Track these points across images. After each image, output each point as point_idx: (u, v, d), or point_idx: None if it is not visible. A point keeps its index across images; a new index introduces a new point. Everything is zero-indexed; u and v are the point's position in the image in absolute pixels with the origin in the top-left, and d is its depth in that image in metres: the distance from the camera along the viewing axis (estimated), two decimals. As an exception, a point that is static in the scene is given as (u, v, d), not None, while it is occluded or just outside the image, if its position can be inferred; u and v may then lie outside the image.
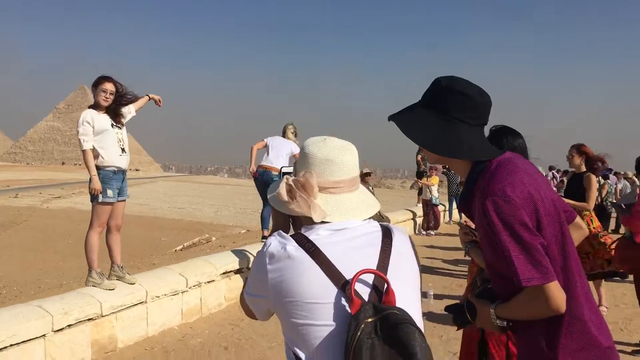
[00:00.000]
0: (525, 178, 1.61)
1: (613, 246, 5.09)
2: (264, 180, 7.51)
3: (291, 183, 1.49)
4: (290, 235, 1.46)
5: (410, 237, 1.62)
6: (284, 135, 7.92)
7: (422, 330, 1.44)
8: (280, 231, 1.49)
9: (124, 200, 5.04)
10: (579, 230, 1.98)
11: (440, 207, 13.27)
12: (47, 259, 9.63)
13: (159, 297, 5.08)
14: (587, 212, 5.43)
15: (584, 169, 5.47)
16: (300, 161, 1.55)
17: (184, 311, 5.41)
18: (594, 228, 5.45)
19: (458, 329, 1.93)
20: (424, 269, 7.99)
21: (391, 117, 1.73)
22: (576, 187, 5.40)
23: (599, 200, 8.54)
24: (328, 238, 1.43)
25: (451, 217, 14.36)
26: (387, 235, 1.50)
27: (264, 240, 7.44)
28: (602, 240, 5.41)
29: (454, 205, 13.66)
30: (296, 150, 7.47)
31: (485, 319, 1.74)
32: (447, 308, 1.92)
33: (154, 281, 5.18)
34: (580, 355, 1.59)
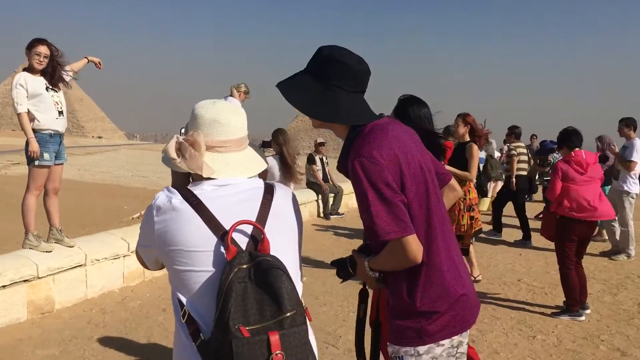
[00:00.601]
0: (393, 142, 1.74)
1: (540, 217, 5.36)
2: None
3: (181, 141, 1.58)
4: (177, 190, 1.56)
5: (294, 194, 1.74)
6: (231, 95, 7.86)
7: (299, 276, 1.61)
8: (169, 186, 1.59)
9: (62, 164, 5.04)
10: (453, 192, 2.12)
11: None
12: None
13: (99, 260, 5.14)
14: (467, 183, 5.38)
15: (467, 138, 5.47)
16: (190, 122, 1.64)
17: (126, 275, 5.48)
18: (469, 199, 5.43)
19: (342, 282, 2.07)
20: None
21: (278, 84, 1.83)
22: (459, 156, 5.38)
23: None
24: (212, 193, 1.54)
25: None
26: (268, 192, 1.62)
27: None
28: (471, 214, 5.43)
29: None
30: None
31: (362, 272, 1.89)
32: (332, 262, 2.06)
33: (94, 245, 5.24)
34: (438, 303, 1.75)
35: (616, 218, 7.29)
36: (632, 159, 7.15)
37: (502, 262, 7.11)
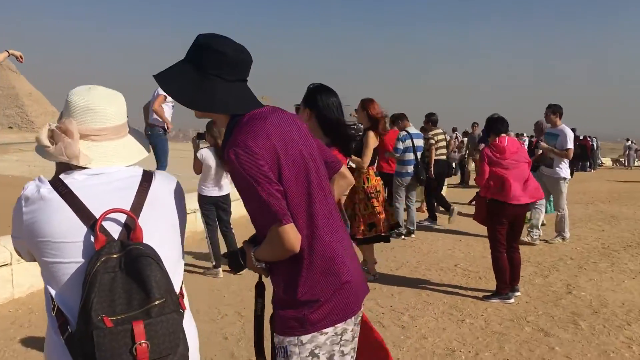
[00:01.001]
0: (271, 131, 1.71)
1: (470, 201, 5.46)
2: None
3: (53, 128, 1.53)
4: (49, 180, 1.51)
5: (178, 183, 1.71)
6: None
7: (179, 264, 1.61)
8: (41, 176, 1.54)
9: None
10: (344, 179, 2.12)
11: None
12: None
13: (25, 258, 4.99)
14: (365, 170, 5.30)
15: (367, 125, 5.38)
16: (64, 109, 1.59)
17: (57, 272, 5.34)
18: (367, 187, 5.32)
19: (235, 273, 2.06)
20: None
21: (155, 75, 1.79)
22: (360, 143, 5.29)
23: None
24: (83, 182, 1.50)
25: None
26: (146, 180, 1.59)
27: None
28: (371, 202, 5.32)
29: None
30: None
31: (250, 263, 1.87)
32: (224, 254, 2.04)
33: (21, 243, 5.08)
34: (319, 291, 1.74)
35: (543, 201, 7.54)
36: (569, 146, 7.34)
37: (442, 249, 7.23)
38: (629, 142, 29.56)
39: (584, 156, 23.14)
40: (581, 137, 23.85)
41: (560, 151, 7.36)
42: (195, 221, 6.84)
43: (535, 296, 5.23)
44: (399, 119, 7.98)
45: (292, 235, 1.67)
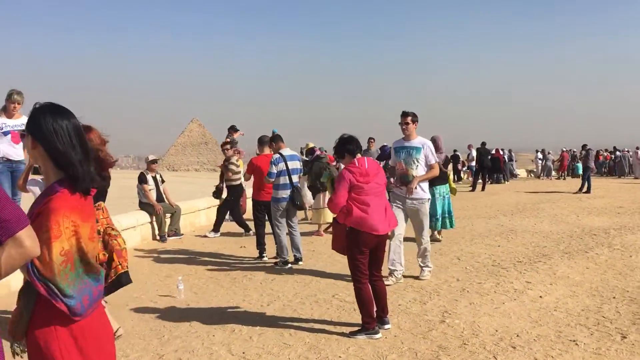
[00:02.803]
0: None
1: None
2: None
3: None
4: None
5: None
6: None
7: None
8: None
9: None
10: (17, 248, 1.58)
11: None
12: None
13: None
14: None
15: None
16: None
17: None
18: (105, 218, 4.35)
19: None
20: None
21: None
22: None
23: None
24: None
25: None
26: None
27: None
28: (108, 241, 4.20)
29: None
30: None
31: None
32: None
33: None
34: None
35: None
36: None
37: (328, 277, 6.74)
38: (539, 153, 30.54)
39: (496, 168, 23.65)
40: (493, 151, 24.38)
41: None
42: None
43: (407, 328, 4.80)
44: (272, 141, 7.50)
45: None
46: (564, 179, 27.38)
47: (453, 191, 9.79)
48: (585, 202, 15.14)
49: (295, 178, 7.26)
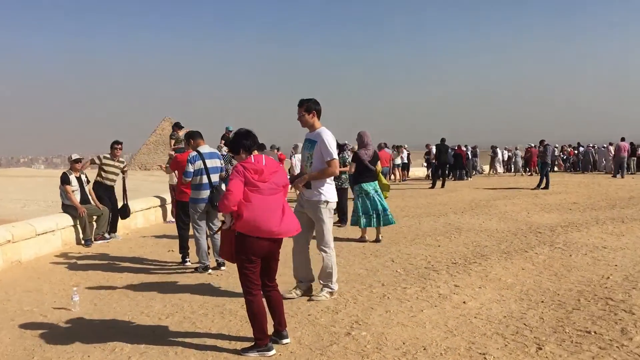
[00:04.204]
0: None
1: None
2: None
3: None
4: None
5: None
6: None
7: None
8: None
9: None
10: None
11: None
12: None
13: None
14: None
15: None
16: None
17: None
18: None
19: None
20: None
21: None
22: None
23: None
24: None
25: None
26: None
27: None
28: None
29: None
30: None
31: None
32: None
33: None
34: None
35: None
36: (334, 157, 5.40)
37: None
38: (499, 150, 30.01)
39: (458, 165, 23.43)
40: (455, 147, 24.16)
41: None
42: None
43: (308, 342, 4.33)
44: (190, 138, 6.97)
45: None
46: (531, 174, 27.01)
47: (385, 188, 9.38)
48: (540, 198, 14.94)
49: (214, 177, 6.75)
